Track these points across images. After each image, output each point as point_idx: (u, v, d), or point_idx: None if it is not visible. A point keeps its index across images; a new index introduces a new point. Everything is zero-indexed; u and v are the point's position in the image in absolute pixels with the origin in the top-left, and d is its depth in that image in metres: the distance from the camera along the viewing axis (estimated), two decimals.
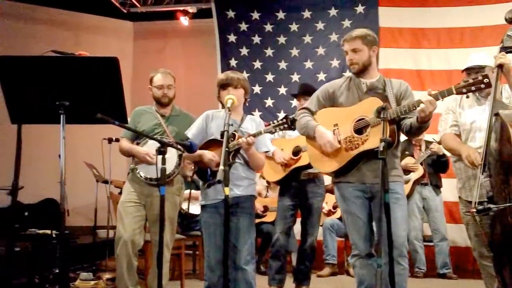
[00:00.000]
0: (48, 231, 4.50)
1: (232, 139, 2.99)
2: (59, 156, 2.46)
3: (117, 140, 4.45)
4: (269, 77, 6.91)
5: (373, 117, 2.80)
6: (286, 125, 2.90)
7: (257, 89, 6.84)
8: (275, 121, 2.94)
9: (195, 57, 7.52)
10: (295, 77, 6.80)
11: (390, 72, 6.22)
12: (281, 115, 6.50)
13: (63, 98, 2.46)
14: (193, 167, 3.24)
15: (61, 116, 2.46)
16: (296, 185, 4.21)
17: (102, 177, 5.76)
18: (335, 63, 6.69)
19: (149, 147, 3.54)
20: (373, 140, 2.83)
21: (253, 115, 6.16)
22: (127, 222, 3.55)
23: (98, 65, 2.49)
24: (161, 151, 2.56)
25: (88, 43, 6.96)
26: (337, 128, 2.99)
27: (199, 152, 3.05)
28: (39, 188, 6.13)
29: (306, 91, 4.31)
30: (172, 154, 3.38)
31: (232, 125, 2.88)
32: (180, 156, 3.55)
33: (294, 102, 6.17)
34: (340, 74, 6.47)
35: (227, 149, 2.63)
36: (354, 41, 2.98)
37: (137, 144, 3.67)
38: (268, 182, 5.21)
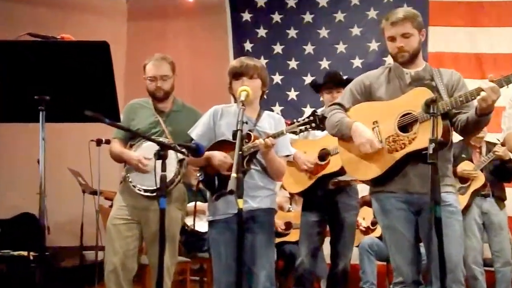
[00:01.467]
0: (25, 253, 4.56)
1: (247, 140, 3.01)
2: (38, 161, 2.49)
3: (108, 142, 4.50)
4: (293, 63, 6.92)
5: (421, 111, 2.80)
6: (314, 124, 2.91)
7: (277, 78, 6.86)
8: (299, 119, 2.94)
9: (201, 41, 7.55)
10: (325, 64, 6.80)
11: (442, 57, 6.18)
12: (308, 110, 6.51)
13: (42, 91, 2.47)
14: (198, 174, 3.27)
15: (41, 113, 2.46)
16: (324, 196, 4.21)
17: (90, 187, 5.82)
18: (373, 45, 6.67)
19: (144, 150, 3.57)
20: (422, 138, 2.82)
21: (272, 111, 6.13)
22: (117, 243, 3.57)
23: (85, 51, 2.51)
24: (161, 154, 2.58)
25: (74, 24, 7.02)
26: (377, 126, 3.00)
27: (206, 154, 3.07)
28: (13, 200, 6.23)
29: (335, 81, 4.31)
30: (170, 159, 3.40)
31: (246, 123, 2.89)
32: (180, 162, 3.57)
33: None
34: (379, 59, 6.46)
35: (240, 152, 2.64)
36: (403, 24, 2.98)
37: (131, 146, 3.71)
38: (290, 193, 5.21)
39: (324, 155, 4.19)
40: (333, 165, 4.09)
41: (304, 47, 6.91)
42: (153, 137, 3.49)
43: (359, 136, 2.98)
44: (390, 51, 3.07)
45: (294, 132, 2.96)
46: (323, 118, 2.90)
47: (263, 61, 6.56)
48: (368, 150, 2.95)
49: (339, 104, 3.17)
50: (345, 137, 3.08)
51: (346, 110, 3.13)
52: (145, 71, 3.74)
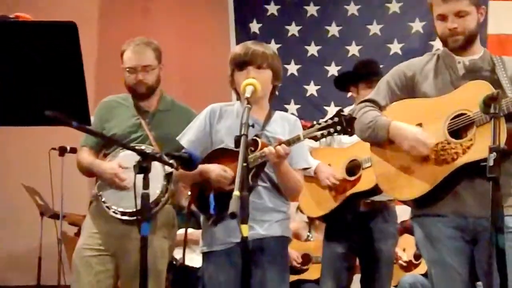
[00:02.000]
0: None
1: (253, 148, 3.04)
2: None
3: (74, 150, 4.52)
4: (312, 49, 6.95)
5: (478, 112, 2.80)
6: (339, 127, 2.90)
7: (292, 68, 6.88)
8: (321, 120, 2.95)
9: (195, 20, 7.54)
10: (354, 50, 6.83)
11: (505, 41, 6.18)
12: (332, 110, 6.52)
13: None
14: (190, 193, 3.28)
15: None
16: (353, 221, 4.23)
17: (51, 208, 5.83)
18: (416, 26, 6.69)
19: (122, 161, 3.59)
20: (480, 147, 2.82)
21: (286, 110, 6.14)
22: (86, 280, 3.59)
23: (45, 35, 2.52)
24: (143, 167, 2.60)
25: (33, 1, 7.05)
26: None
27: (201, 168, 3.09)
28: None
29: (370, 73, 4.33)
30: (155, 173, 3.42)
31: (253, 126, 2.90)
32: (168, 177, 3.59)
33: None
34: (424, 43, 6.49)
35: (245, 164, 2.65)
36: (458, 0, 3.00)
37: (104, 156, 3.73)
38: (309, 217, 5.22)
39: (353, 168, 4.20)
40: (365, 181, 4.10)
41: (327, 28, 6.93)
42: (133, 144, 3.52)
43: (405, 138, 3.00)
44: (439, 33, 3.08)
45: (314, 138, 2.96)
46: (351, 119, 2.89)
47: (274, 47, 6.60)
48: (423, 152, 2.96)
49: (371, 100, 3.19)
50: (380, 143, 3.10)
51: (381, 108, 3.15)
52: (123, 60, 3.77)
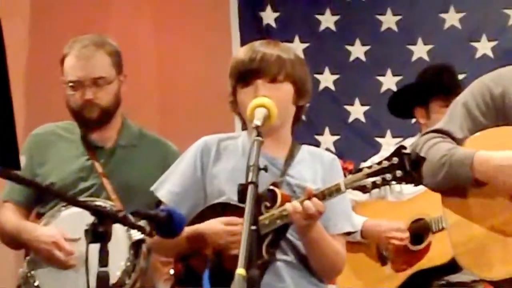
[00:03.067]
0: None
1: (269, 204, 3.05)
2: None
3: None
4: (357, 50, 6.95)
5: None
6: (400, 172, 2.90)
7: (327, 80, 6.88)
8: (372, 161, 2.96)
9: (179, 11, 7.60)
10: (420, 51, 6.82)
11: None
12: (388, 142, 6.51)
13: None
14: (172, 270, 3.28)
15: None
16: None
17: None
18: None
19: (65, 225, 3.61)
20: None
21: (318, 143, 6.14)
22: None
23: None
24: (98, 233, 2.60)
25: None
26: None
27: (189, 231, 3.11)
28: None
29: (442, 84, 4.38)
30: (116, 242, 3.42)
31: (266, 170, 2.91)
32: (135, 247, 3.60)
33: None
34: None
35: (254, 227, 2.66)
36: None
37: (38, 217, 3.76)
38: None
39: (419, 232, 4.21)
40: (437, 252, 4.13)
41: (379, 17, 6.94)
42: (81, 198, 3.54)
43: (503, 170, 3.01)
44: None
45: (362, 189, 2.97)
46: (419, 160, 2.89)
47: (298, 47, 6.62)
48: None
49: (441, 131, 3.22)
50: (461, 189, 3.11)
51: (457, 143, 3.17)
52: (63, 70, 3.82)
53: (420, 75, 4.60)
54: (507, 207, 3.01)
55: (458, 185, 3.11)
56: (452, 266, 3.92)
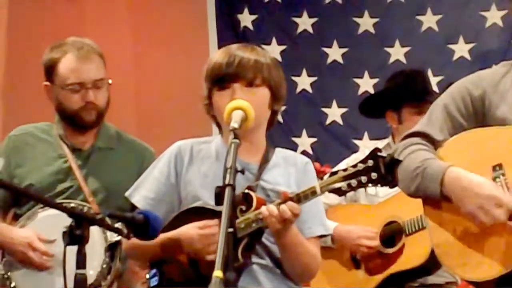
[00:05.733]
0: None
1: (244, 207, 3.05)
2: None
3: None
4: (335, 52, 6.95)
5: None
6: (375, 174, 2.91)
7: (304, 82, 6.88)
8: (346, 164, 2.95)
9: (155, 11, 7.57)
10: (398, 53, 6.83)
11: None
12: (365, 144, 6.51)
13: None
14: (148, 276, 3.28)
15: None
16: None
17: None
18: (493, 16, 6.70)
19: (41, 226, 3.61)
20: None
21: (295, 147, 6.14)
22: None
23: None
24: (75, 235, 2.59)
25: None
26: (501, 175, 3.04)
27: (164, 236, 3.10)
28: None
29: (414, 89, 4.41)
30: (92, 244, 3.42)
31: (243, 172, 2.89)
32: (111, 249, 3.60)
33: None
34: (506, 43, 6.48)
35: (231, 230, 2.67)
36: None
37: (14, 219, 3.76)
38: None
39: (392, 235, 4.23)
40: (411, 255, 4.13)
41: (356, 19, 6.95)
42: (59, 200, 3.54)
43: (467, 195, 3.00)
44: None
45: (338, 192, 2.96)
46: (393, 163, 2.89)
47: (276, 50, 6.63)
48: (490, 221, 2.98)
49: (422, 134, 3.21)
50: (433, 195, 3.10)
51: (436, 145, 3.17)
52: (55, 73, 3.80)
53: (391, 79, 4.60)
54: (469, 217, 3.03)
55: (429, 196, 3.11)
56: (426, 268, 3.94)
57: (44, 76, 3.83)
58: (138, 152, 3.76)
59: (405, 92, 4.42)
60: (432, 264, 3.43)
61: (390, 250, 4.18)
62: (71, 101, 3.76)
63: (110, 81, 3.82)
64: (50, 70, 3.79)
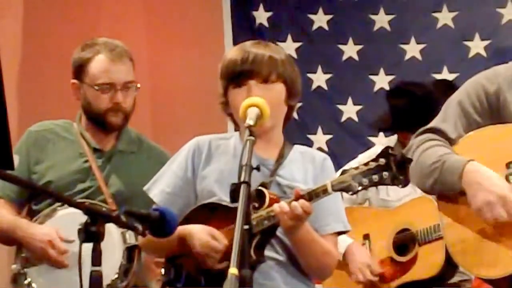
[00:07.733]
0: None
1: (257, 204, 3.05)
2: None
3: None
4: (350, 49, 6.94)
5: None
6: (386, 173, 2.91)
7: (320, 79, 6.87)
8: (357, 162, 2.94)
9: (171, 11, 7.55)
10: (413, 50, 6.80)
11: None
12: (381, 143, 6.48)
13: None
14: (163, 270, 3.29)
15: None
16: None
17: None
18: (509, 14, 6.67)
19: (59, 224, 3.61)
20: None
21: (310, 143, 6.12)
22: None
23: None
24: (91, 232, 2.59)
25: None
26: None
27: (180, 231, 3.08)
28: None
29: (426, 89, 4.41)
30: (111, 245, 3.42)
31: (258, 169, 2.89)
32: (130, 251, 3.61)
33: None
34: None
35: (247, 227, 2.66)
36: None
37: (30, 215, 3.76)
38: None
39: (404, 243, 4.23)
40: (423, 265, 4.11)
41: (372, 16, 6.93)
42: (77, 198, 3.54)
43: (481, 189, 3.01)
44: None
45: (351, 189, 2.95)
46: (405, 161, 2.89)
47: (291, 47, 6.62)
48: (492, 218, 2.98)
49: (436, 130, 3.22)
50: (448, 195, 3.12)
51: (450, 142, 3.17)
52: (87, 71, 3.81)
53: (389, 95, 4.58)
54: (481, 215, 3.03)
55: (448, 192, 3.12)
56: (442, 277, 3.92)
57: (73, 74, 3.85)
58: (158, 159, 3.75)
59: (407, 120, 4.40)
60: (446, 273, 3.42)
61: (403, 259, 4.16)
62: (99, 101, 3.77)
63: (138, 85, 3.83)
64: (80, 68, 3.81)
